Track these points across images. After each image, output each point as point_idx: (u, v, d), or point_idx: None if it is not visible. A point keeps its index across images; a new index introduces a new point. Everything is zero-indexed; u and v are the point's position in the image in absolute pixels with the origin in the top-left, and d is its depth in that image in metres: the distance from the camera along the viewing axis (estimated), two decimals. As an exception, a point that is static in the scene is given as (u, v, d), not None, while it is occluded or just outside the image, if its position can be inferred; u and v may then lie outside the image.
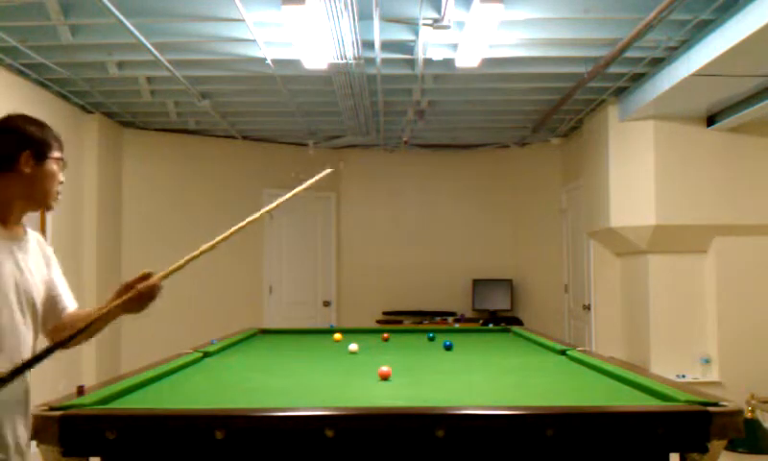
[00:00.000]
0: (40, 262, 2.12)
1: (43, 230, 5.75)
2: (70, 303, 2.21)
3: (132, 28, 4.29)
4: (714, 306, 6.03)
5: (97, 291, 6.58)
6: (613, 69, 5.26)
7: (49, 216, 5.81)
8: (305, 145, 7.91)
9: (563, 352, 3.69)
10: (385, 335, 4.62)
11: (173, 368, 3.09)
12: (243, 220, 2.46)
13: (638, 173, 6.00)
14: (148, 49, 4.66)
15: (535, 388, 2.81)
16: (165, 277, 2.11)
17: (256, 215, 2.37)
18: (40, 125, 2.03)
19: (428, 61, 5.10)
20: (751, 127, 5.85)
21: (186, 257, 2.11)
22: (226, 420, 2.10)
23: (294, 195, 2.32)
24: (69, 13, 4.31)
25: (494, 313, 7.98)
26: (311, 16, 4.04)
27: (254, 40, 4.66)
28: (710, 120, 5.92)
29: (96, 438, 2.09)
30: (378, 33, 4.55)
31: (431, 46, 4.83)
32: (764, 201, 5.93)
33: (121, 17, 4.12)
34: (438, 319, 7.85)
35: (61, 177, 2.07)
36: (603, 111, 6.30)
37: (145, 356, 3.73)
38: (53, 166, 2.03)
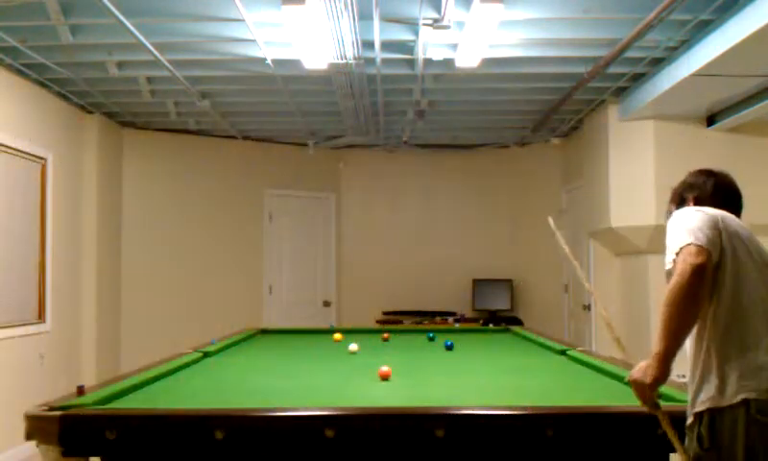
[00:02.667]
0: None
1: (43, 230, 5.76)
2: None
3: (132, 28, 4.29)
4: (714, 306, 6.02)
5: (97, 291, 6.59)
6: (613, 69, 5.26)
7: (49, 216, 5.82)
8: (305, 145, 7.91)
9: (563, 352, 3.69)
10: (385, 335, 4.63)
11: (173, 368, 3.09)
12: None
13: (638, 173, 5.99)
14: (148, 49, 4.66)
15: (535, 388, 2.81)
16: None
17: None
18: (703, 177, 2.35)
19: (428, 61, 5.10)
20: (751, 127, 5.84)
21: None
22: (226, 420, 2.10)
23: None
24: (69, 13, 4.31)
25: (494, 313, 7.98)
26: (311, 16, 4.04)
27: (254, 40, 4.66)
28: (710, 120, 5.92)
29: (96, 438, 2.09)
30: (378, 33, 4.55)
31: (431, 46, 4.83)
32: (764, 201, 5.92)
33: (121, 17, 4.12)
34: (438, 319, 7.86)
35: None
36: (603, 111, 6.30)
37: (145, 356, 3.74)
38: None
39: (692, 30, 4.48)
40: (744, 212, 2.34)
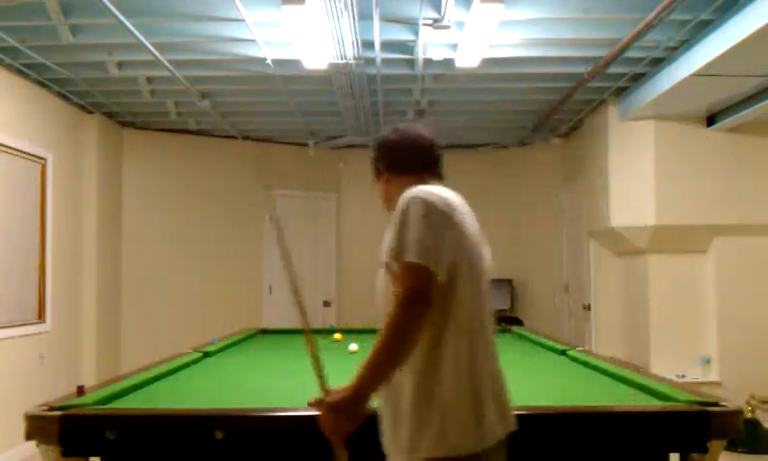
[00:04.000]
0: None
1: (43, 230, 5.76)
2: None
3: (132, 28, 4.29)
4: (714, 306, 6.03)
5: (97, 291, 6.58)
6: (613, 69, 5.26)
7: (49, 216, 5.82)
8: (305, 145, 7.91)
9: (563, 352, 3.69)
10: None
11: (173, 368, 3.09)
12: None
13: (638, 173, 6.00)
14: (148, 49, 4.66)
15: (535, 388, 2.81)
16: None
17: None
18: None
19: (428, 61, 5.10)
20: (751, 127, 5.85)
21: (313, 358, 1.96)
22: (226, 420, 2.10)
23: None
24: (69, 13, 4.31)
25: (494, 313, 7.96)
26: (311, 16, 4.04)
27: (254, 40, 4.66)
28: (710, 120, 5.92)
29: (96, 438, 2.09)
30: (378, 33, 4.55)
31: (431, 46, 4.83)
32: (764, 201, 5.93)
33: (121, 17, 4.12)
34: (438, 319, 7.84)
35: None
36: (603, 111, 6.30)
37: (145, 356, 3.74)
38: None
39: (692, 30, 4.49)
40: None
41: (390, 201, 1.99)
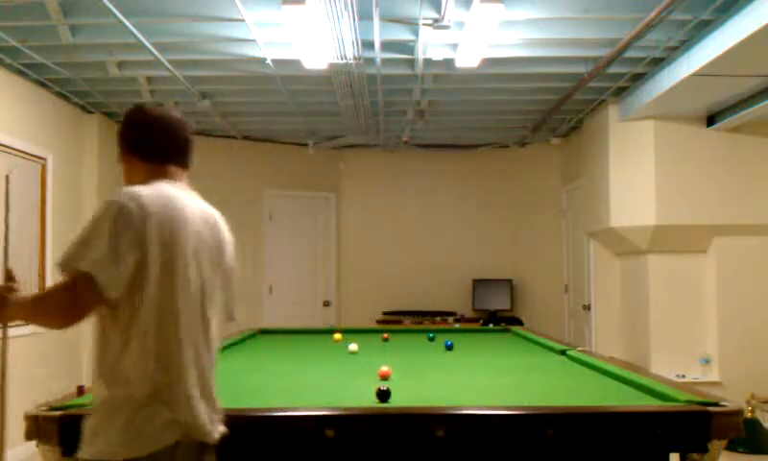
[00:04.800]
0: None
1: (43, 230, 5.75)
2: None
3: (132, 28, 4.29)
4: (714, 306, 6.03)
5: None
6: (613, 69, 5.26)
7: (49, 216, 5.81)
8: (305, 145, 7.91)
9: (563, 352, 3.69)
10: (385, 335, 4.63)
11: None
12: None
13: (638, 173, 6.00)
14: (148, 49, 4.66)
15: (535, 388, 2.81)
16: None
17: None
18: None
19: (428, 61, 5.10)
20: (751, 127, 5.85)
21: None
22: (226, 420, 2.10)
23: None
24: (69, 13, 4.31)
25: (494, 313, 7.97)
26: (311, 16, 4.05)
27: (254, 40, 4.66)
28: (710, 120, 5.92)
29: (96, 438, 2.09)
30: (378, 33, 4.55)
31: (431, 46, 4.83)
32: (764, 201, 5.93)
33: (121, 17, 4.12)
34: (438, 319, 7.85)
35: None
36: (603, 111, 6.30)
37: (145, 356, 3.73)
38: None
39: (692, 30, 4.49)
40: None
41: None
